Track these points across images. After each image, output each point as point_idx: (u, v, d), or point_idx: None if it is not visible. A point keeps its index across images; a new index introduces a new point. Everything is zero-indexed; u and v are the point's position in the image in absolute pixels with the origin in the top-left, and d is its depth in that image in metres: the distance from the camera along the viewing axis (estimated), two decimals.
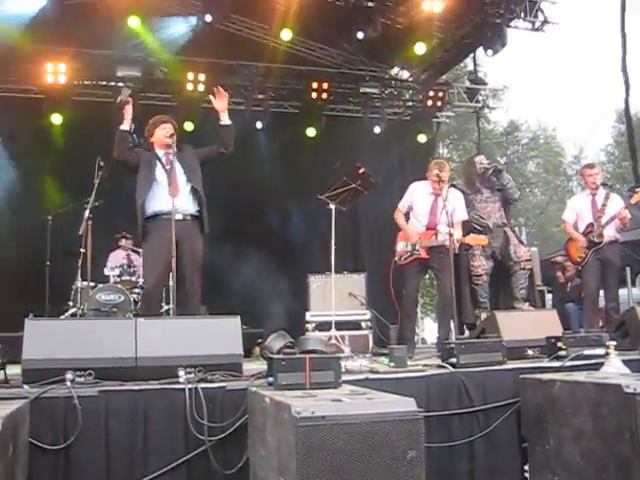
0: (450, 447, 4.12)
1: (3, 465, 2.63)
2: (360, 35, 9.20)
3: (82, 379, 3.67)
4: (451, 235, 5.83)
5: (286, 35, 9.56)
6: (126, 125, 5.29)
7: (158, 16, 9.60)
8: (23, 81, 9.74)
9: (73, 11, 8.58)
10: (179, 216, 5.08)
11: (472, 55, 12.03)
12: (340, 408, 2.83)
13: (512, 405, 4.27)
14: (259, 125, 10.71)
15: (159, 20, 9.76)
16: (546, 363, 4.73)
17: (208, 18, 8.93)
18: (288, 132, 10.57)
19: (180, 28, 10.14)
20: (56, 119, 9.86)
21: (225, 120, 5.53)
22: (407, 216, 6.53)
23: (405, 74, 11.75)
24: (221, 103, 5.53)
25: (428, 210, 6.35)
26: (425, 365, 4.69)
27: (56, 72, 9.56)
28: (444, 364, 4.51)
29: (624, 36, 10.02)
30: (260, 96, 10.73)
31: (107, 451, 3.53)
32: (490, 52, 9.60)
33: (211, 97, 5.60)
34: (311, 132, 10.86)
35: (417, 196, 6.47)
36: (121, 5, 8.69)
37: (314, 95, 10.64)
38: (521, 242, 7.46)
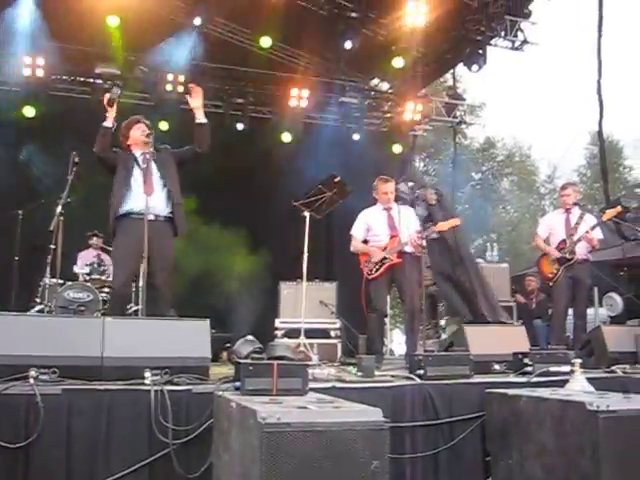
0: (414, 459, 4.13)
1: None
2: (347, 45, 9.27)
3: (46, 377, 3.63)
4: (420, 233, 6.18)
5: (266, 42, 9.59)
6: (109, 122, 5.25)
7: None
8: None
9: (53, 5, 8.53)
10: (151, 216, 5.02)
11: (452, 71, 12.16)
12: (306, 415, 2.82)
13: (477, 419, 4.29)
14: (240, 127, 10.71)
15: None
16: (512, 378, 4.77)
17: (197, 21, 8.94)
18: (265, 137, 10.57)
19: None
20: (29, 112, 9.76)
21: (201, 118, 5.48)
22: (364, 243, 6.58)
23: (385, 86, 11.82)
24: (196, 101, 5.50)
25: (386, 224, 6.45)
26: (393, 376, 4.70)
27: (34, 65, 9.49)
28: (412, 375, 4.53)
29: (600, 60, 10.22)
30: (239, 100, 10.73)
31: (68, 451, 3.48)
32: (472, 68, 9.73)
33: (187, 96, 5.59)
34: (287, 137, 10.88)
35: (371, 218, 6.57)
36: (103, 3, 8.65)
37: (293, 102, 10.67)
38: None
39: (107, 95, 5.27)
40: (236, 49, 10.17)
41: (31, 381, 3.55)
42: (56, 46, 9.46)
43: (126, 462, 3.52)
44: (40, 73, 9.56)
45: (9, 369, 3.59)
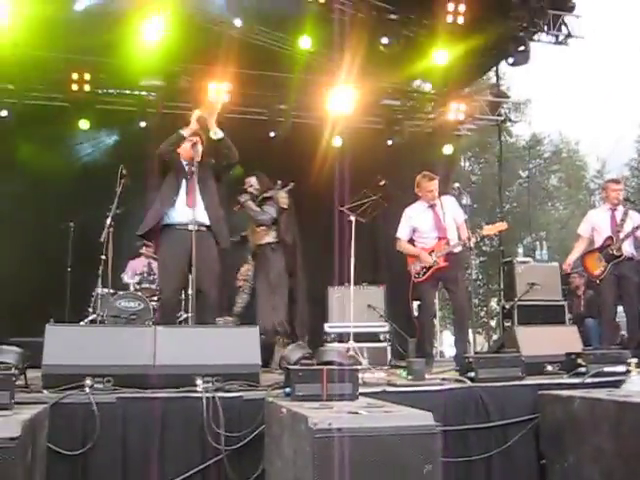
0: (467, 462, 4.09)
1: (22, 470, 2.65)
2: (388, 48, 9.25)
3: (101, 385, 3.70)
4: (469, 239, 6.17)
5: (305, 44, 9.63)
6: (187, 132, 5.40)
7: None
8: (48, 89, 9.86)
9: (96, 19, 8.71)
10: (194, 227, 5.12)
11: (495, 68, 12.01)
12: (357, 420, 2.82)
13: (530, 421, 4.23)
14: (283, 133, 10.77)
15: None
16: (565, 379, 4.68)
17: (237, 30, 9.05)
18: (309, 143, 10.60)
19: None
20: (84, 125, 10.01)
21: (216, 133, 5.49)
22: (410, 242, 6.55)
23: (427, 86, 11.73)
24: (207, 115, 5.55)
25: (432, 224, 6.40)
26: (443, 379, 4.66)
27: (81, 81, 9.69)
28: (462, 378, 4.49)
29: None
30: (282, 106, 10.78)
31: (124, 458, 3.55)
32: (516, 64, 9.60)
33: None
34: (330, 142, 10.88)
35: (416, 217, 6.52)
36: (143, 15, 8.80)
37: (336, 107, 10.66)
38: None
39: (201, 112, 5.49)
40: (277, 56, 10.23)
41: (87, 390, 3.63)
42: (102, 61, 9.66)
43: (180, 469, 3.57)
44: (87, 88, 9.76)
45: (65, 378, 3.68)
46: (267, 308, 6.43)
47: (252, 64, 10.13)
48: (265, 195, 6.78)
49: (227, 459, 3.59)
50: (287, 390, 3.53)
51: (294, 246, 6.89)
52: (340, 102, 10.51)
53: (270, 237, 6.69)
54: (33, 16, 8.38)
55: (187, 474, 3.57)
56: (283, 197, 6.78)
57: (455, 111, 11.06)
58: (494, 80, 13.75)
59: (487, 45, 9.93)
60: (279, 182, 6.98)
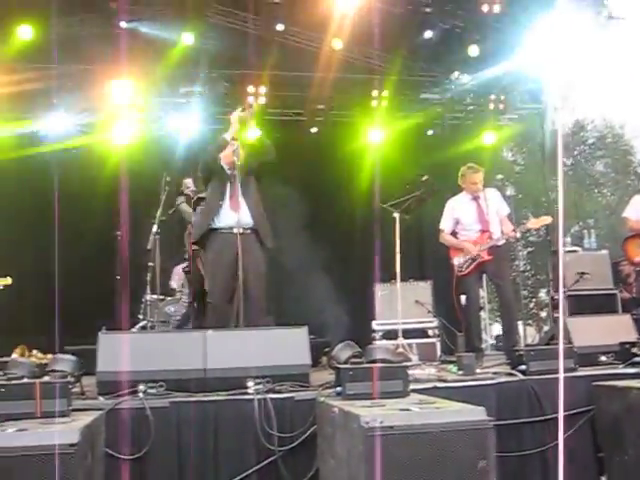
0: (522, 457, 4.04)
1: (82, 475, 2.71)
2: (424, 41, 9.22)
3: (154, 390, 3.77)
4: (513, 232, 6.16)
5: (338, 44, 9.63)
6: (229, 135, 5.45)
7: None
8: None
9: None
10: (239, 229, 5.17)
11: None
12: (409, 418, 2.82)
13: (586, 413, 4.16)
14: (322, 132, 10.80)
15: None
16: (621, 370, 4.59)
17: (276, 31, 9.13)
18: (349, 141, 10.60)
19: None
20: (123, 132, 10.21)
21: (254, 134, 5.60)
22: (453, 235, 6.48)
23: (466, 78, 11.61)
24: (243, 116, 5.57)
25: (476, 216, 6.33)
26: (494, 373, 4.62)
27: (123, 89, 9.87)
28: (514, 372, 4.44)
29: None
30: (320, 106, 10.80)
31: (179, 461, 3.61)
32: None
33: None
34: (371, 139, 10.85)
35: (459, 209, 6.45)
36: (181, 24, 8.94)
37: (374, 103, 10.64)
38: None
39: (240, 114, 5.48)
40: (312, 56, 10.25)
41: (140, 395, 3.70)
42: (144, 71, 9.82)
43: (234, 470, 3.61)
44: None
45: (119, 385, 3.76)
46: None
47: (288, 65, 10.18)
48: (199, 196, 6.57)
49: (281, 460, 3.62)
50: (338, 389, 3.54)
51: None
52: (377, 98, 10.49)
53: None
54: None
55: (242, 475, 3.61)
56: None
57: (495, 101, 10.93)
58: None
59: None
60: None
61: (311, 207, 9.93)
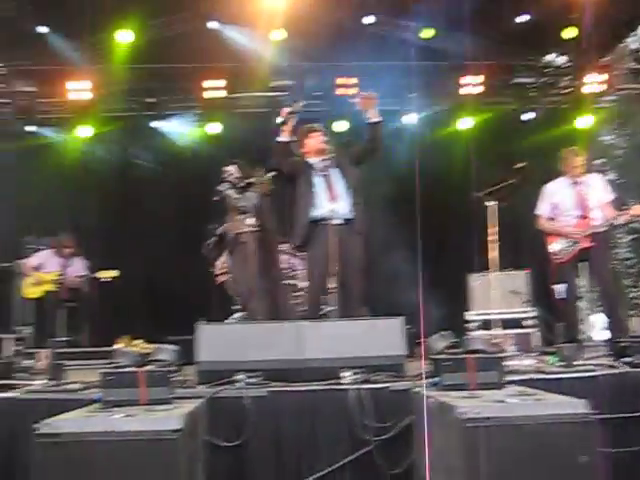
0: (623, 453, 3.89)
1: (185, 459, 2.82)
2: (517, 24, 9.00)
3: (252, 380, 3.85)
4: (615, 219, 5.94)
5: (428, 32, 9.52)
6: (284, 137, 5.44)
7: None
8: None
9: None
10: (338, 221, 5.19)
11: (634, 32, 11.28)
12: (507, 409, 2.78)
13: None
14: (413, 121, 10.71)
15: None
16: None
17: (366, 21, 9.14)
18: (437, 129, 10.48)
19: None
20: (214, 129, 10.49)
21: (372, 117, 5.48)
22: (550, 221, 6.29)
23: (561, 60, 11.22)
24: (366, 104, 5.52)
25: (575, 201, 6.10)
26: (596, 365, 4.47)
27: (214, 86, 10.13)
28: (617, 364, 4.29)
29: None
30: (412, 95, 10.70)
31: (277, 449, 3.68)
32: None
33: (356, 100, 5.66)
34: (461, 126, 10.67)
35: (558, 193, 6.22)
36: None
37: (466, 90, 10.45)
38: None
39: (287, 109, 5.47)
40: (401, 44, 10.17)
41: (239, 384, 3.80)
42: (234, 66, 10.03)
43: (331, 459, 3.65)
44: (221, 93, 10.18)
45: (219, 374, 3.87)
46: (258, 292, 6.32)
47: (380, 55, 10.14)
48: (247, 181, 6.58)
49: (376, 450, 3.64)
50: (433, 380, 3.52)
51: (274, 233, 6.68)
52: (470, 84, 10.30)
53: (249, 224, 6.44)
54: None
55: (338, 464, 3.65)
56: (265, 183, 6.53)
57: (593, 83, 10.52)
58: (636, 45, 12.93)
59: (623, 8, 9.37)
60: (262, 169, 6.86)
61: (403, 197, 9.89)
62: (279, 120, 5.49)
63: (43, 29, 9.44)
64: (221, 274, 6.95)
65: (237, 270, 6.58)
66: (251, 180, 6.50)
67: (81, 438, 2.69)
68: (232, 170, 6.68)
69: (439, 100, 10.87)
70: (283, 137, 5.44)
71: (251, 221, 6.33)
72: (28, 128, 10.54)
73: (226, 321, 6.76)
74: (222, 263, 6.84)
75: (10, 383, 3.94)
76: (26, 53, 9.77)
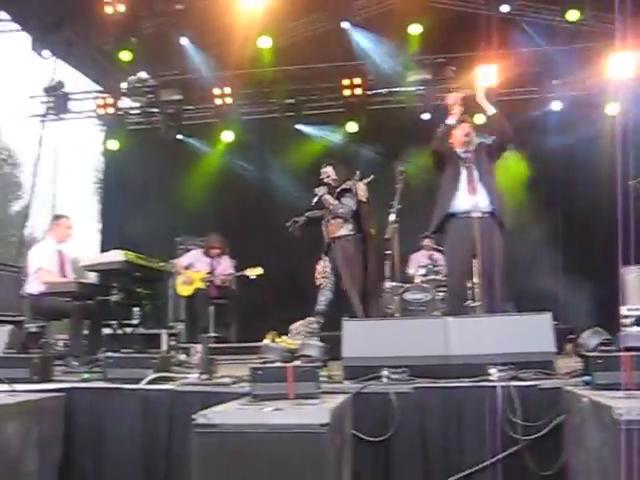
0: None
1: (333, 453, 2.87)
2: None
3: (397, 376, 3.86)
4: None
5: (573, 15, 9.15)
6: (453, 120, 5.51)
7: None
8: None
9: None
10: (477, 214, 5.12)
11: None
12: None
13: None
14: (558, 108, 10.32)
15: None
16: None
17: (505, 8, 8.93)
18: (587, 115, 10.00)
19: None
20: (351, 128, 10.62)
21: (488, 110, 5.49)
22: None
23: None
24: (479, 95, 5.54)
25: None
26: None
27: (354, 85, 10.25)
28: None
29: None
30: (554, 81, 10.31)
31: (423, 446, 3.66)
32: None
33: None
34: (612, 110, 10.12)
35: None
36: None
37: (617, 71, 9.88)
38: None
39: (452, 95, 5.59)
40: (542, 28, 9.83)
41: (384, 380, 3.82)
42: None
43: (478, 458, 3.58)
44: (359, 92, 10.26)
45: (363, 370, 3.91)
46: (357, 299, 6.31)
47: (517, 42, 9.87)
48: (343, 187, 6.49)
49: (526, 449, 3.53)
50: (586, 378, 3.38)
51: (371, 240, 6.55)
52: (619, 67, 9.74)
53: (346, 229, 6.44)
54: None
55: (486, 463, 3.58)
56: (362, 189, 6.43)
57: None
58: None
59: None
60: (357, 172, 6.62)
61: (548, 187, 9.56)
62: (450, 101, 5.55)
63: (185, 41, 9.99)
64: (322, 278, 6.90)
65: (337, 276, 6.61)
66: (347, 187, 6.52)
67: (235, 430, 2.80)
68: (329, 171, 6.67)
69: (585, 85, 10.39)
70: (451, 120, 5.51)
71: (348, 227, 6.41)
72: (178, 136, 11.15)
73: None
74: (322, 268, 6.76)
75: (168, 376, 4.16)
76: (171, 64, 10.39)
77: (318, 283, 6.64)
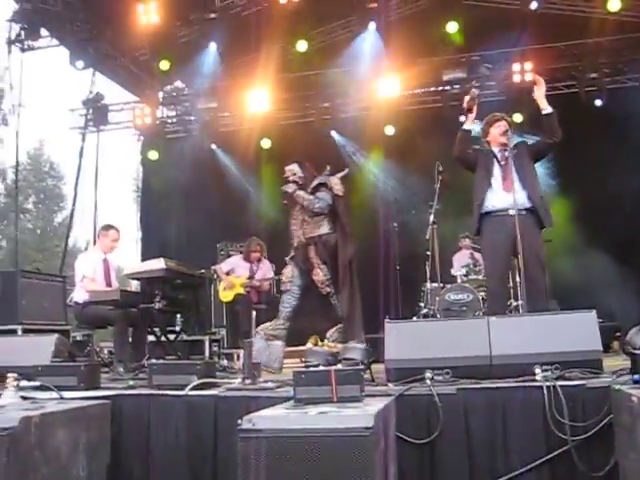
0: None
1: (377, 456, 2.85)
2: None
3: (441, 377, 3.83)
4: None
5: (614, 5, 8.96)
6: (468, 125, 5.44)
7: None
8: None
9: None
10: (514, 211, 5.05)
11: None
12: None
13: None
14: (598, 103, 10.15)
15: None
16: None
17: (534, 5, 8.84)
18: (630, 108, 9.80)
19: None
20: (388, 131, 10.65)
21: (545, 109, 5.33)
22: None
23: None
24: (538, 91, 5.36)
25: None
26: None
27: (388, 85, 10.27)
28: None
29: None
30: (593, 75, 10.14)
31: (468, 447, 3.62)
32: None
33: (534, 87, 5.47)
34: None
35: None
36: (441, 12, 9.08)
37: None
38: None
39: (467, 97, 5.45)
40: (579, 22, 9.67)
41: (428, 382, 3.80)
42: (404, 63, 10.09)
43: (525, 459, 3.53)
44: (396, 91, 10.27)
45: (407, 372, 3.89)
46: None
47: (553, 37, 9.74)
48: (319, 181, 6.18)
49: (574, 450, 3.47)
50: (635, 377, 3.30)
51: (350, 235, 6.15)
52: None
53: (325, 227, 6.10)
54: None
55: (533, 464, 3.52)
56: (337, 183, 6.13)
57: None
58: None
59: None
60: (328, 167, 6.33)
61: (594, 183, 9.40)
62: (466, 104, 5.45)
63: (217, 48, 10.10)
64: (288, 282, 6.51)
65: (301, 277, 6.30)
66: (321, 181, 6.24)
67: (279, 434, 2.81)
68: (295, 169, 6.39)
69: (628, 76, 10.21)
70: (466, 126, 5.44)
71: (327, 225, 6.13)
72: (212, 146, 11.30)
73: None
74: (290, 271, 6.34)
75: (212, 381, 4.20)
76: (206, 72, 10.51)
77: (284, 289, 6.33)
